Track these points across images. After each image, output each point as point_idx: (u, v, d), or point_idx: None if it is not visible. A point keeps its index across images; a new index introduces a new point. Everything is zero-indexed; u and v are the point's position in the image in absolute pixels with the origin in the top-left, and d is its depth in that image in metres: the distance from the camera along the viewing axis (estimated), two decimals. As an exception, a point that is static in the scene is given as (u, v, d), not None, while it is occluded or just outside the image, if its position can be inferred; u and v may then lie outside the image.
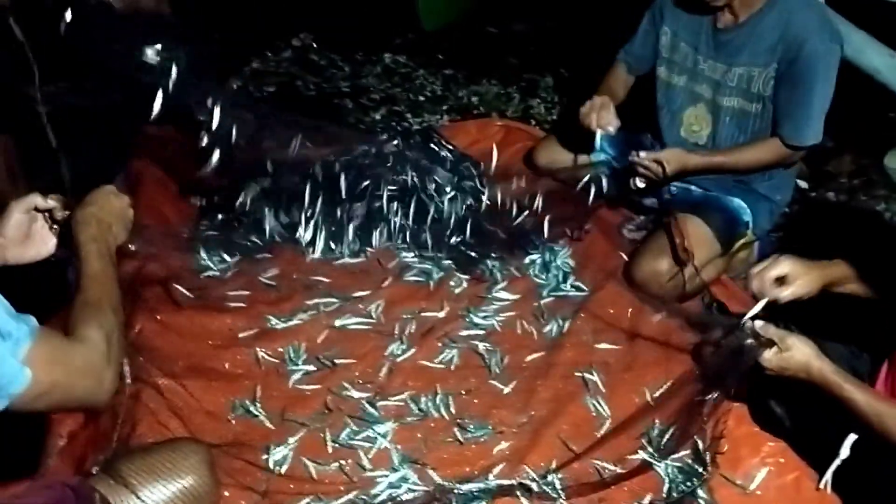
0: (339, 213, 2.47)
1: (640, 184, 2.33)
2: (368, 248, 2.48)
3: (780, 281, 1.78)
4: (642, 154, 2.27)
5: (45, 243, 1.51)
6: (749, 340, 1.69)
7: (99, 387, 1.25)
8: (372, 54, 4.05)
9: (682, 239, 2.25)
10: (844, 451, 1.67)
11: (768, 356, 1.65)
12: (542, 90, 3.80)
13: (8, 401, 1.16)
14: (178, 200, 2.55)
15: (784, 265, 1.78)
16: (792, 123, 2.24)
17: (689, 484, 1.77)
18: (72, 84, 2.29)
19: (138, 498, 1.35)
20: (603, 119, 2.32)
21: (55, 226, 1.51)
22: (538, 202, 2.45)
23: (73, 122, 2.60)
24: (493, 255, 2.45)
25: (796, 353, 1.63)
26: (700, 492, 1.75)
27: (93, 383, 1.25)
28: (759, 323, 1.69)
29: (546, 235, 2.45)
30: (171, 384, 1.93)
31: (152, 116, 2.00)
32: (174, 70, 2.12)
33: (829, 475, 1.70)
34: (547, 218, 2.44)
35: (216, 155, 2.04)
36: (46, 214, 1.50)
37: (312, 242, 2.44)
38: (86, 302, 1.34)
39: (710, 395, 1.96)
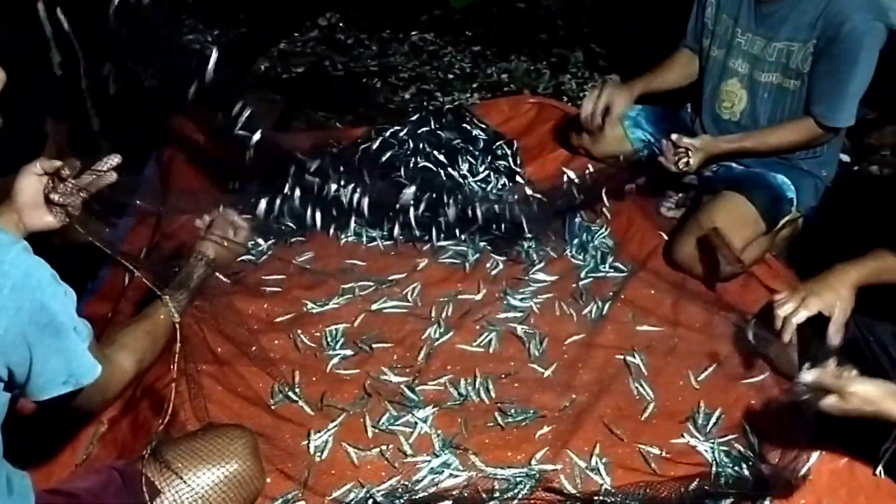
0: (372, 195, 2.43)
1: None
2: (403, 231, 2.45)
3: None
4: (673, 137, 2.20)
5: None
6: (805, 395, 1.51)
7: (99, 404, 1.31)
8: (399, 32, 3.99)
9: (725, 246, 2.16)
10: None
11: (829, 404, 1.47)
12: (572, 66, 3.73)
13: (75, 388, 1.17)
14: (211, 186, 2.53)
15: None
16: (827, 103, 2.17)
17: (737, 469, 1.74)
18: (114, 68, 2.28)
19: (184, 482, 1.34)
20: (595, 118, 2.41)
21: (61, 193, 1.42)
22: (574, 181, 2.41)
23: (113, 107, 2.59)
24: (529, 235, 2.41)
25: (860, 398, 1.45)
26: (750, 476, 1.71)
27: (98, 401, 1.29)
28: (808, 375, 1.49)
29: (583, 214, 2.40)
30: (209, 370, 1.92)
31: (187, 101, 1.97)
32: (207, 55, 2.08)
33: (883, 460, 1.65)
34: (584, 197, 2.39)
35: (253, 139, 2.01)
36: (50, 181, 1.42)
37: (346, 226, 2.42)
38: (147, 331, 1.40)
39: (756, 378, 1.93)
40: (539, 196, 2.40)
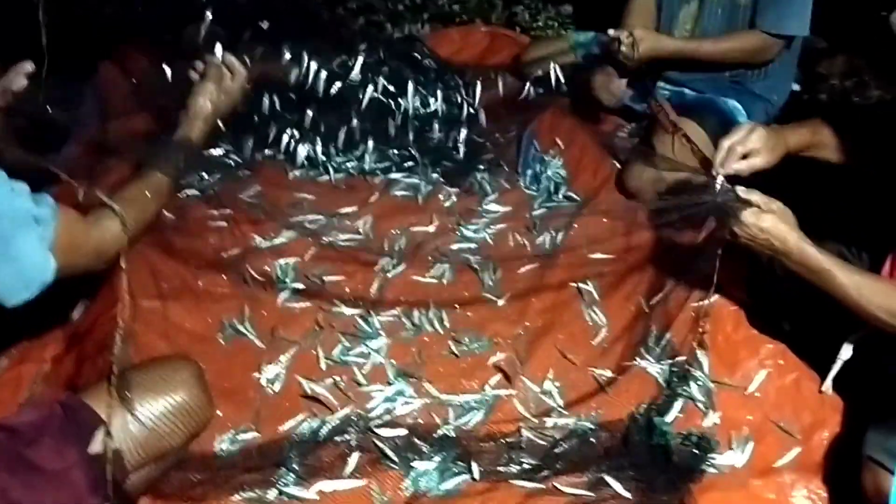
0: (320, 127, 2.38)
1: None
2: (352, 163, 2.40)
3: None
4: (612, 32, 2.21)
5: None
6: (729, 200, 1.55)
7: (99, 263, 1.35)
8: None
9: (668, 118, 2.19)
10: (846, 353, 1.66)
11: (748, 216, 1.51)
12: (525, -3, 3.65)
13: (38, 290, 1.20)
14: (150, 116, 2.43)
15: (754, 140, 1.67)
16: (774, 11, 2.17)
17: (686, 388, 1.76)
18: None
19: (130, 413, 1.31)
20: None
21: None
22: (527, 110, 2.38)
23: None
24: (481, 166, 2.38)
25: (779, 218, 1.51)
26: (699, 395, 1.74)
27: (94, 262, 1.34)
28: (741, 188, 1.56)
29: (536, 145, 2.38)
30: (156, 306, 1.87)
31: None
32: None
33: (830, 377, 1.69)
34: (536, 125, 2.37)
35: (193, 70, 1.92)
36: None
37: (294, 158, 2.36)
38: (135, 194, 1.41)
39: (705, 301, 1.95)
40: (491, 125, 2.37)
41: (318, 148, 2.37)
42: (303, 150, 2.35)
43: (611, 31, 2.22)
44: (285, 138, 2.35)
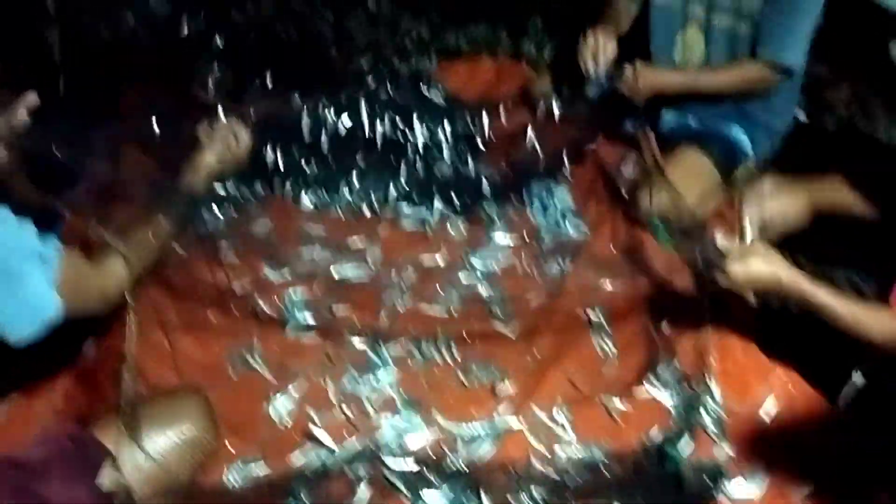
0: (329, 162, 2.41)
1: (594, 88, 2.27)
2: (361, 196, 2.42)
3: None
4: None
5: None
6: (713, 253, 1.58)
7: (102, 305, 1.40)
8: (354, 1, 3.93)
9: (651, 150, 2.19)
10: (857, 379, 1.65)
11: (731, 265, 1.53)
12: (531, 30, 3.69)
13: (43, 327, 1.23)
14: (165, 155, 2.47)
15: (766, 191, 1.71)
16: (776, 42, 2.18)
17: (697, 416, 1.75)
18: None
19: (138, 446, 1.32)
20: (599, 61, 2.22)
21: None
22: (533, 141, 2.39)
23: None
24: (489, 197, 2.40)
25: (763, 260, 1.53)
26: (710, 423, 1.73)
27: (98, 303, 1.39)
28: (719, 237, 1.58)
29: (543, 174, 2.39)
30: (165, 338, 1.88)
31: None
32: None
33: (842, 404, 1.68)
34: (543, 156, 2.38)
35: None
36: None
37: (303, 192, 2.39)
38: (147, 232, 1.49)
39: (715, 328, 1.94)
40: (498, 156, 2.39)
41: (326, 182, 2.39)
42: (311, 185, 2.37)
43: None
44: (294, 172, 2.38)
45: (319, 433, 1.72)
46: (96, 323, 1.84)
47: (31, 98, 1.40)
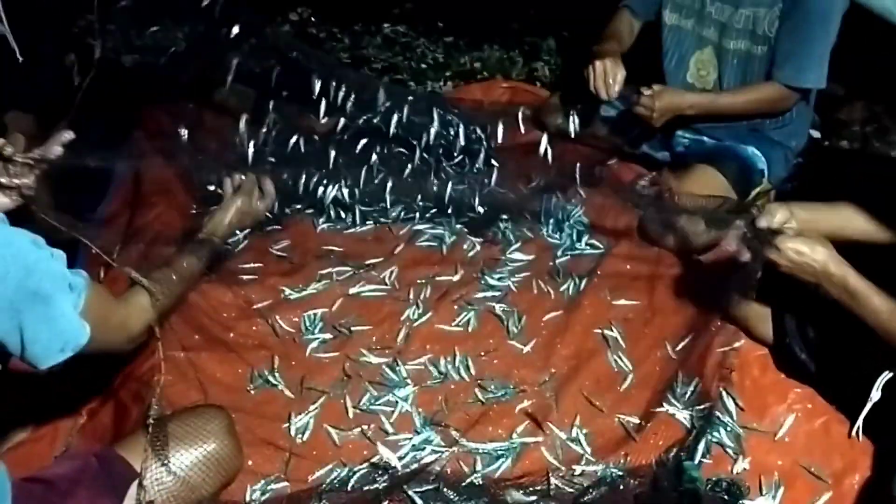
0: (346, 181, 2.44)
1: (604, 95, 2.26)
2: (378, 216, 2.45)
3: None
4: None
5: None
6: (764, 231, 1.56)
7: (124, 340, 1.39)
8: (371, 25, 3.98)
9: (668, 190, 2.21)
10: (875, 395, 1.65)
11: (785, 241, 1.52)
12: (545, 53, 3.72)
13: (72, 352, 1.23)
14: (185, 176, 2.52)
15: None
16: (792, 64, 2.20)
17: (715, 434, 1.76)
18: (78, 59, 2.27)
19: (162, 463, 1.34)
20: (610, 88, 2.25)
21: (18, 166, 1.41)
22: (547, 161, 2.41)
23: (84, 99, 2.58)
24: (504, 216, 2.42)
25: (816, 242, 1.52)
26: (728, 440, 1.73)
27: (120, 337, 1.38)
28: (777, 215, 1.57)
29: (558, 193, 2.41)
30: (188, 357, 1.91)
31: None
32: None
33: (860, 420, 1.68)
34: (558, 175, 2.40)
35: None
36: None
37: (322, 212, 2.42)
38: (171, 272, 1.53)
39: (732, 345, 1.95)
40: (513, 177, 2.41)
41: (343, 201, 2.42)
42: (329, 204, 2.40)
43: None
44: (312, 193, 2.41)
45: (384, 451, 1.74)
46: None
47: (67, 135, 1.45)
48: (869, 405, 1.66)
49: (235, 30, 2.23)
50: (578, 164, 2.44)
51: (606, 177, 2.55)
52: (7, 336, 1.14)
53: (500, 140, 2.38)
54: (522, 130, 2.27)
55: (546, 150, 2.10)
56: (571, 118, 2.48)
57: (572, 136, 2.52)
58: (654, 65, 2.48)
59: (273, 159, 2.42)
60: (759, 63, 2.26)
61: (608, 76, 2.23)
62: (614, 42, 2.37)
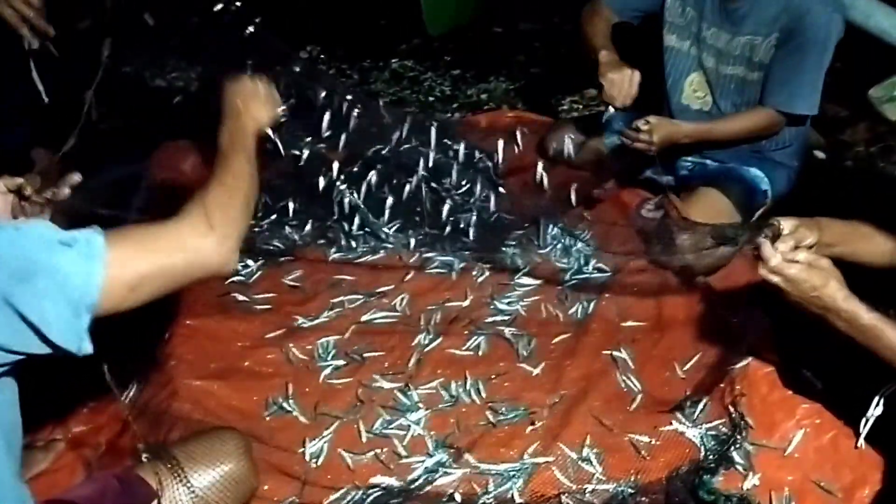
0: (357, 210, 2.49)
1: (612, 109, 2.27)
2: (388, 245, 2.50)
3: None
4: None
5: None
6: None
7: (200, 256, 1.18)
8: (379, 61, 4.08)
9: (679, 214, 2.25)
10: (876, 409, 1.66)
11: (798, 273, 1.44)
12: (550, 85, 3.81)
13: (90, 312, 1.08)
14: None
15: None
16: (786, 91, 2.24)
17: (725, 451, 1.77)
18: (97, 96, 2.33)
19: (182, 483, 1.37)
20: (625, 97, 2.24)
21: (33, 204, 1.40)
22: (553, 188, 2.46)
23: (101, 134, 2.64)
24: (512, 242, 2.47)
25: (829, 275, 1.45)
26: (738, 458, 1.74)
27: (190, 255, 1.17)
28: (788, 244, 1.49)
29: (564, 217, 2.45)
30: (203, 386, 1.96)
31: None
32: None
33: (863, 433, 1.68)
34: (563, 203, 2.44)
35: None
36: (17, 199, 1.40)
37: (333, 242, 2.47)
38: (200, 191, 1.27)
39: (740, 364, 1.96)
40: (520, 203, 2.46)
41: (353, 231, 2.48)
42: (339, 234, 2.45)
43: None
44: (323, 223, 2.47)
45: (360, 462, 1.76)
46: (140, 364, 1.91)
47: (75, 177, 1.46)
48: (871, 420, 1.66)
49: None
50: (580, 188, 2.48)
51: (607, 199, 2.60)
52: (16, 334, 1.05)
53: (500, 159, 2.39)
54: (521, 147, 2.30)
55: (542, 176, 2.15)
56: (575, 144, 2.55)
57: (575, 161, 2.60)
58: (654, 84, 2.52)
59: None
60: (754, 87, 2.31)
61: (624, 84, 2.22)
62: (612, 49, 2.36)
